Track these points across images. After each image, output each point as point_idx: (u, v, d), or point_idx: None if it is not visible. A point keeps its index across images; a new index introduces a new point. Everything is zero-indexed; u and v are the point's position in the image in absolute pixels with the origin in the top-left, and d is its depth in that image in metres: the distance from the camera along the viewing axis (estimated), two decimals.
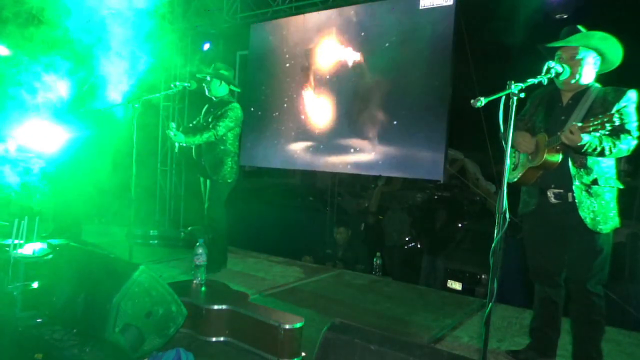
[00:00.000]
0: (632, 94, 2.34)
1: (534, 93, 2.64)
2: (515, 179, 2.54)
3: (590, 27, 2.47)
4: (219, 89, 4.15)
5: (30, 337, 2.61)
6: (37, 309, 2.86)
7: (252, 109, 6.38)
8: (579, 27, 2.46)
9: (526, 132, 2.51)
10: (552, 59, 2.46)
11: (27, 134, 4.63)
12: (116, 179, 5.06)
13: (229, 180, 4.12)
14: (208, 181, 4.17)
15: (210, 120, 4.10)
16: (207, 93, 4.18)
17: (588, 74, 2.43)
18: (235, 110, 4.08)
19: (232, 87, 4.28)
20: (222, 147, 4.08)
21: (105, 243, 4.97)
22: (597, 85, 2.47)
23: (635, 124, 2.32)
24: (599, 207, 2.36)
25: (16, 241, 2.98)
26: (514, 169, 2.57)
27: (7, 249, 3.02)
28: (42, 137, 4.65)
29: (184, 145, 3.98)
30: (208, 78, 4.12)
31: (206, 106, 4.32)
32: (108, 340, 2.36)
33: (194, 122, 4.41)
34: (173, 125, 3.88)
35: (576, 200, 2.36)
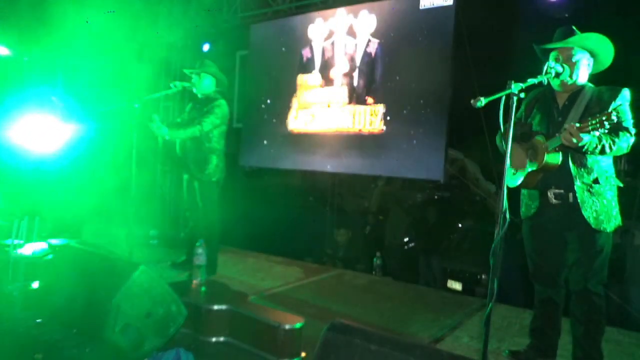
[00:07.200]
0: (626, 92, 2.36)
1: (528, 96, 2.60)
2: (516, 185, 2.53)
3: (585, 28, 2.47)
4: (207, 86, 4.10)
5: (30, 337, 2.61)
6: (37, 309, 2.86)
7: (252, 109, 6.38)
8: (574, 28, 2.47)
9: (516, 146, 2.48)
10: (547, 59, 2.47)
11: (28, 132, 4.64)
12: (116, 179, 5.06)
13: (214, 179, 4.06)
14: (195, 182, 4.10)
15: (195, 116, 4.04)
16: (194, 90, 4.12)
17: (583, 74, 2.44)
18: (222, 107, 4.01)
19: (219, 83, 4.18)
20: (207, 145, 4.01)
21: (105, 243, 4.97)
22: (591, 85, 2.48)
23: (632, 122, 2.35)
24: (601, 206, 2.36)
25: (16, 241, 2.99)
26: (514, 174, 2.56)
27: (7, 249, 3.02)
28: (42, 136, 4.65)
29: (167, 139, 3.92)
30: (194, 78, 4.06)
31: (190, 104, 4.28)
32: (108, 340, 2.36)
33: (178, 120, 4.37)
34: (156, 117, 3.77)
35: (578, 200, 2.37)
